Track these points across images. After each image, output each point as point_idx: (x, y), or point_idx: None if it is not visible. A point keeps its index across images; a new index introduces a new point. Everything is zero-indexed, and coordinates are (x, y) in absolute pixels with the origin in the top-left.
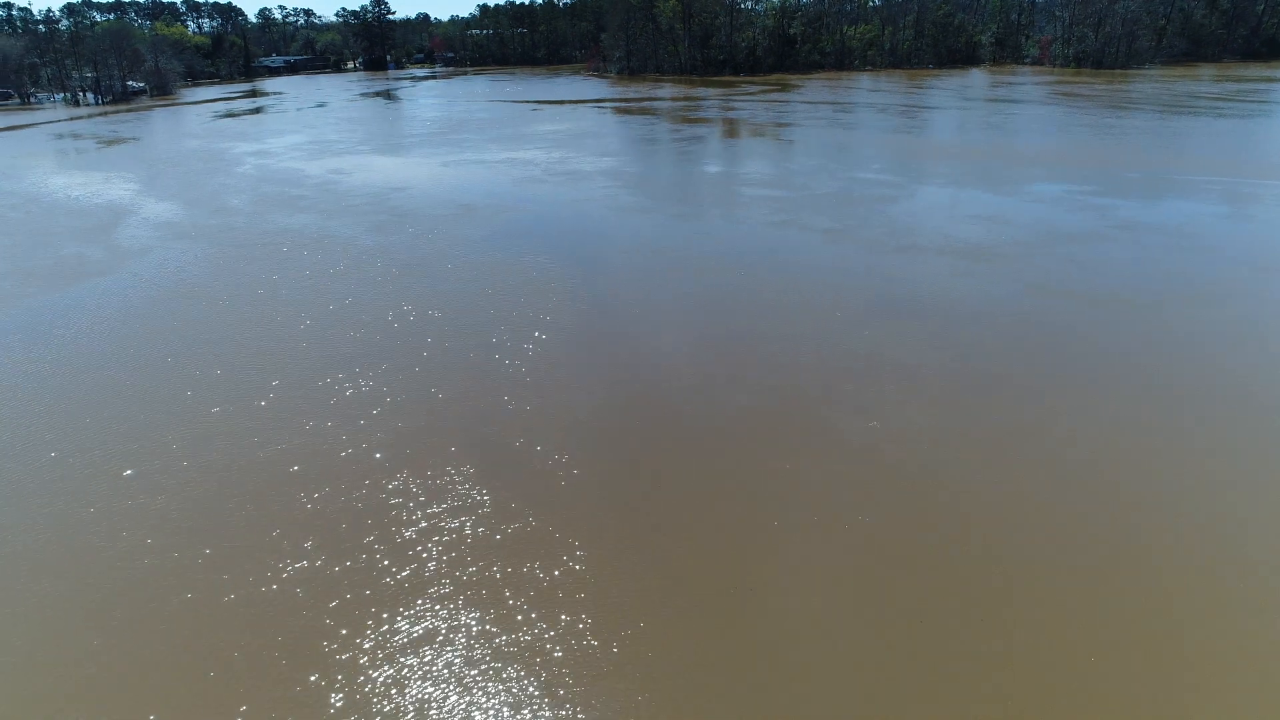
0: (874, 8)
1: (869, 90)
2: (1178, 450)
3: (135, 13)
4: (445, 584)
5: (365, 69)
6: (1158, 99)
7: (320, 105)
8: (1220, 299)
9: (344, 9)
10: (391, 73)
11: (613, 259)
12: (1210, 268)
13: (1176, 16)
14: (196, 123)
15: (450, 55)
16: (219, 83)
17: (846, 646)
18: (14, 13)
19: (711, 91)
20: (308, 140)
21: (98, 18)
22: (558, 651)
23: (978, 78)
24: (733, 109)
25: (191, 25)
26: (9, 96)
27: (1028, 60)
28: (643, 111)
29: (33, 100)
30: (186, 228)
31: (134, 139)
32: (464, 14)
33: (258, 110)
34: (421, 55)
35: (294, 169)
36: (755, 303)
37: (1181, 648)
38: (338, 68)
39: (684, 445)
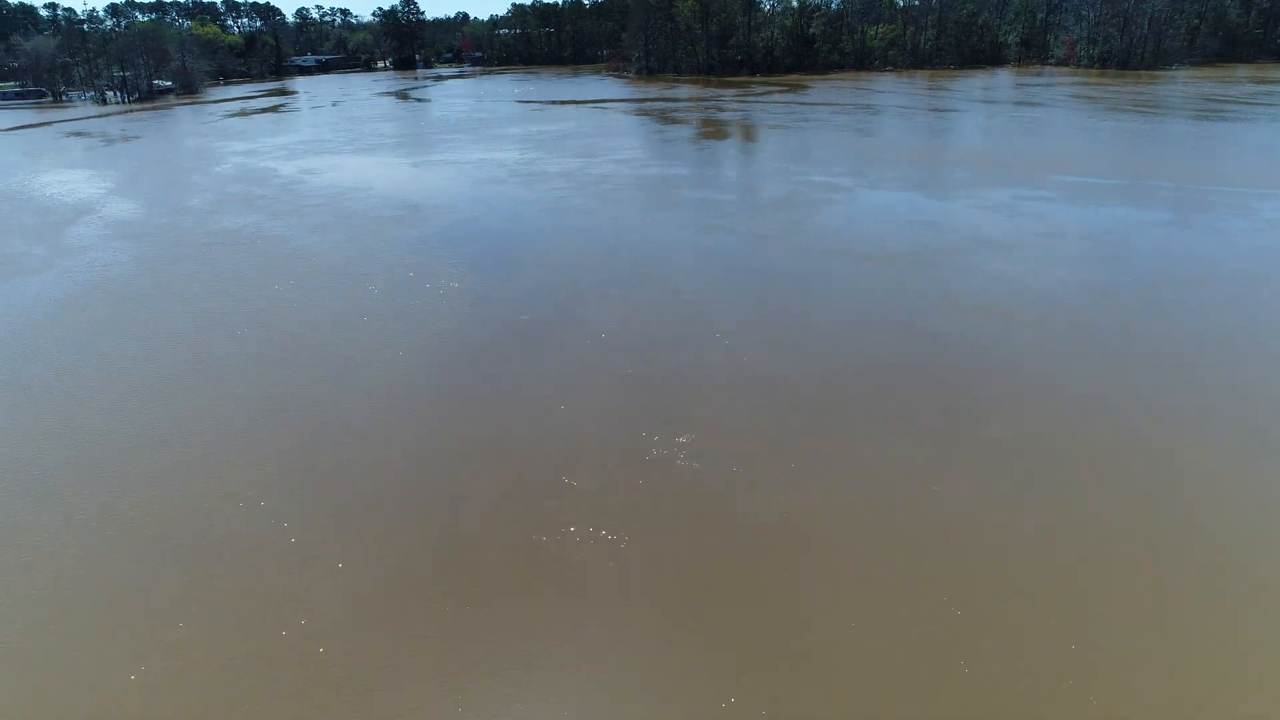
0: (899, 8)
1: (878, 92)
2: (1026, 466)
3: (176, 12)
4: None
5: (395, 68)
6: (1166, 102)
7: (333, 105)
8: (1106, 312)
9: (380, 8)
10: (420, 72)
11: (527, 264)
12: (1111, 279)
13: (1210, 16)
14: (204, 122)
15: (479, 55)
16: (250, 81)
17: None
18: (59, 12)
19: (720, 92)
20: (299, 140)
21: (140, 17)
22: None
23: (996, 79)
24: (731, 110)
25: (231, 25)
26: (43, 95)
27: (1052, 61)
28: (641, 112)
29: (64, 98)
30: (136, 227)
31: (137, 137)
32: (503, 13)
33: (270, 109)
34: (451, 55)
35: (269, 169)
36: (643, 310)
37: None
38: (368, 67)
39: (532, 465)
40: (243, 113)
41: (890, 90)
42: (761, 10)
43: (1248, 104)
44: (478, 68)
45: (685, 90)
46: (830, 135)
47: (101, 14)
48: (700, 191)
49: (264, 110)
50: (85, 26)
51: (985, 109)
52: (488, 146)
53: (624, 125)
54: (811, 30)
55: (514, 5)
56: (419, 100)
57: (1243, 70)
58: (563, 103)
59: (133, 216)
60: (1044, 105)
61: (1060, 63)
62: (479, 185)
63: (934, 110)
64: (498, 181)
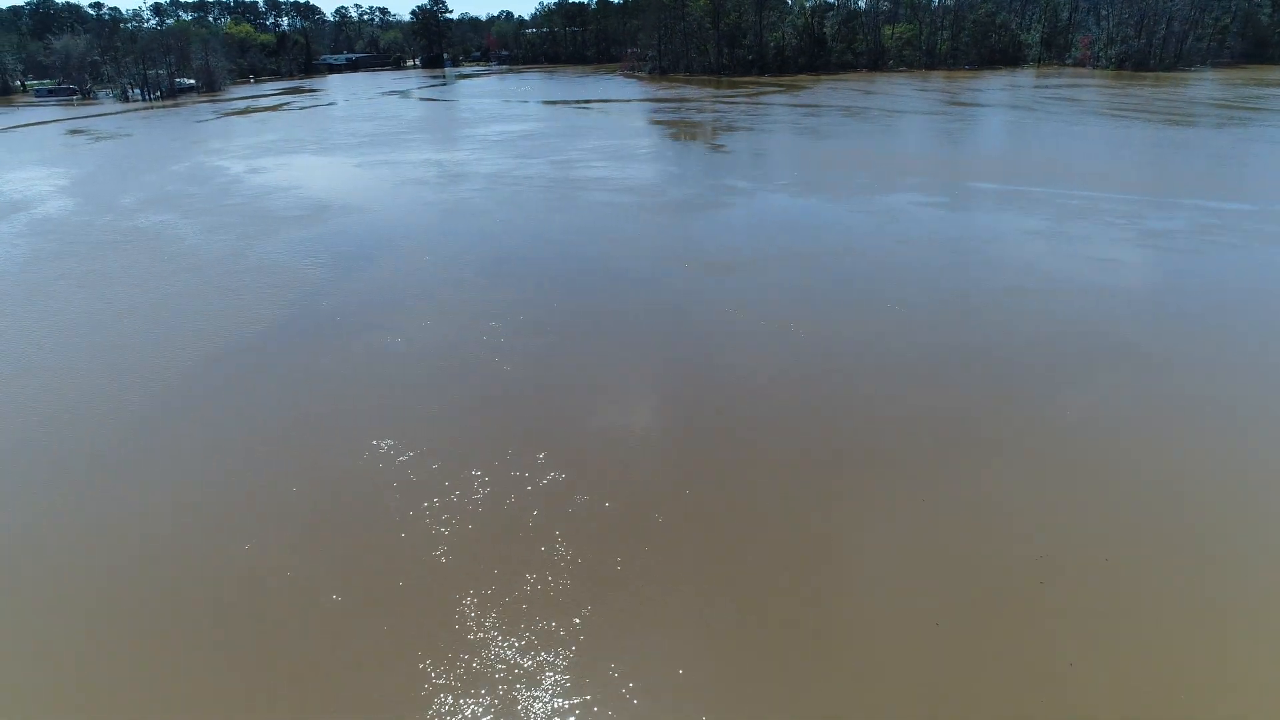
0: (920, 6)
1: (871, 93)
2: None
3: (220, 10)
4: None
5: (424, 66)
6: (1153, 105)
7: (332, 103)
8: (907, 317)
9: (420, 6)
10: (448, 70)
11: (379, 267)
12: (945, 285)
13: (1239, 16)
14: (200, 120)
15: (505, 53)
16: (278, 79)
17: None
18: (104, 11)
19: (717, 92)
20: (271, 139)
21: (185, 16)
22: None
23: (1002, 80)
24: (710, 111)
25: (272, 24)
26: (73, 92)
27: (1070, 62)
28: (620, 113)
29: (92, 96)
30: (53, 225)
31: (126, 135)
32: (536, 12)
33: (272, 108)
34: (479, 54)
35: (219, 168)
36: (444, 316)
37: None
38: (398, 65)
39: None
40: (244, 111)
41: (883, 92)
42: (777, 9)
43: (1230, 108)
44: (503, 66)
45: (683, 91)
46: (779, 139)
47: (146, 13)
48: (606, 194)
49: (265, 109)
50: (131, 25)
51: (960, 112)
52: (440, 147)
53: (589, 124)
54: (825, 30)
55: (541, 4)
56: (419, 99)
57: (1275, 73)
58: (553, 102)
59: (58, 214)
60: (1025, 109)
61: (1079, 64)
62: (400, 186)
63: (906, 113)
64: (420, 182)
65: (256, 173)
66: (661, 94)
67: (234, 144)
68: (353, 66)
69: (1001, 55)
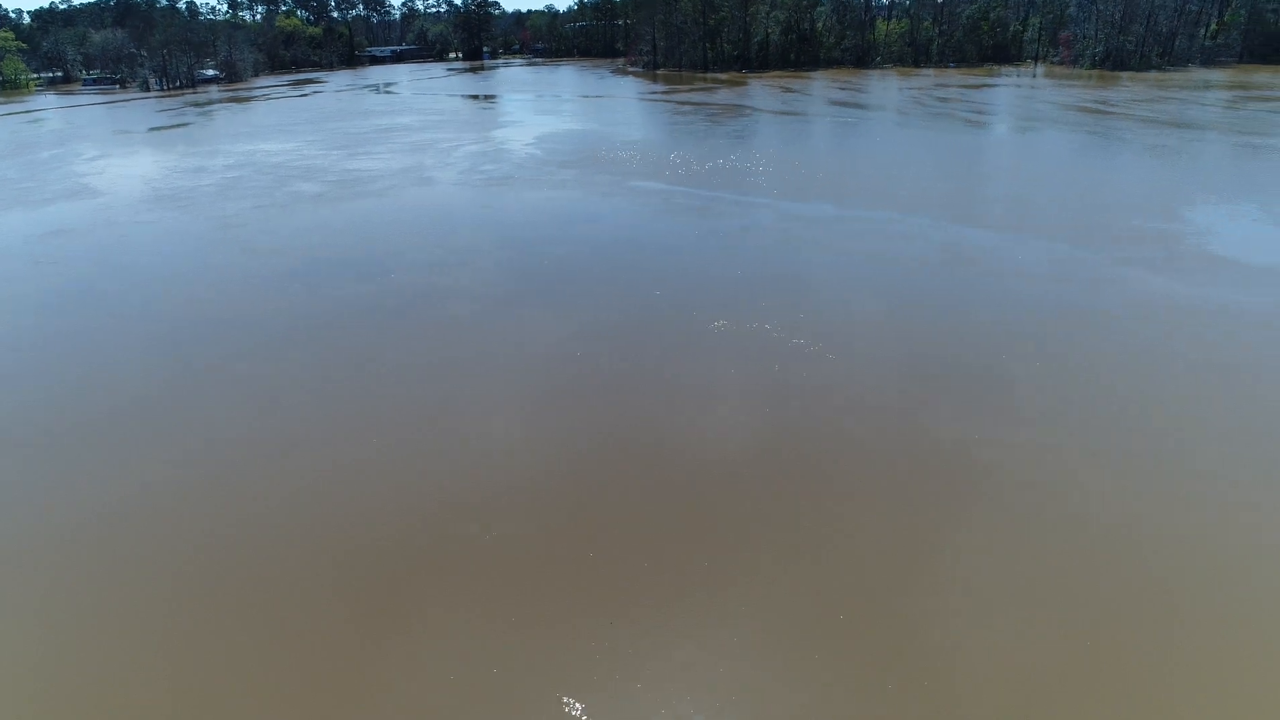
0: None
1: (790, 92)
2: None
3: (293, 3)
4: None
5: (465, 58)
6: (1014, 108)
7: (303, 95)
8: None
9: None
10: (486, 62)
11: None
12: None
13: (1244, 14)
14: (161, 110)
15: (540, 46)
16: (317, 70)
17: None
18: (179, 3)
19: (654, 88)
20: (176, 131)
21: (260, 9)
22: None
23: (962, 79)
24: (595, 107)
25: (340, 16)
26: (113, 82)
27: (1056, 61)
28: (519, 107)
29: (127, 86)
30: None
31: (65, 124)
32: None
33: (247, 99)
34: (518, 46)
35: (73, 155)
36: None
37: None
38: (441, 56)
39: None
40: (207, 103)
41: (807, 93)
42: (766, 3)
43: (1102, 112)
44: (539, 59)
45: (637, 86)
46: (603, 134)
47: (223, 7)
48: (319, 186)
49: (243, 100)
50: (205, 17)
51: (818, 113)
52: (291, 139)
53: (467, 119)
54: (808, 27)
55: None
56: (381, 94)
57: (1264, 75)
58: (490, 96)
59: None
60: (887, 111)
61: (1063, 63)
62: (177, 174)
63: (770, 113)
64: (200, 171)
65: (94, 160)
66: (609, 90)
67: (132, 134)
68: (397, 58)
69: (999, 53)
